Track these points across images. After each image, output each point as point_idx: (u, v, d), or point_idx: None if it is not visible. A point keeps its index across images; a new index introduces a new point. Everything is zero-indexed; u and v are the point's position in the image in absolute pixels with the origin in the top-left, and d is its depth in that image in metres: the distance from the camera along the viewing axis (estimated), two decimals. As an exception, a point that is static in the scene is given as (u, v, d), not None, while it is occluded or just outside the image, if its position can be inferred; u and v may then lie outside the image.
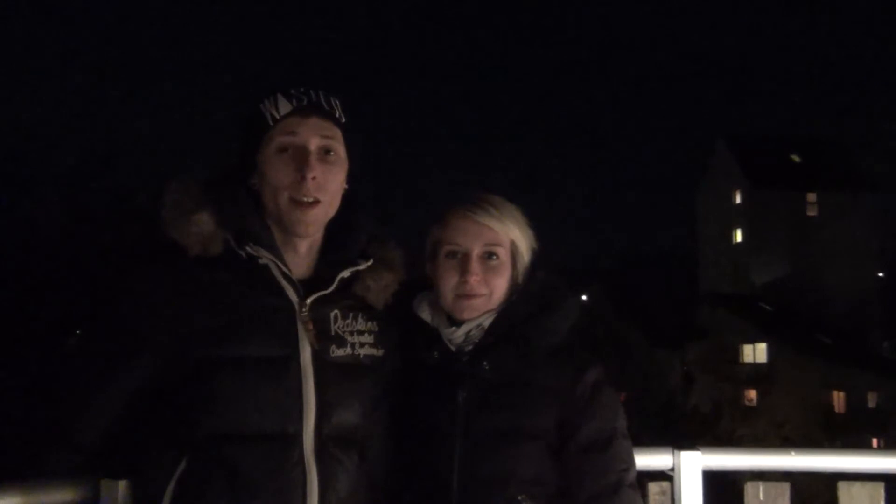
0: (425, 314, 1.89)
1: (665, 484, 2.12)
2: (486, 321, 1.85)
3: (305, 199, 1.66)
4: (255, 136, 1.69)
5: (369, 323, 1.79)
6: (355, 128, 1.77)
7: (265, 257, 1.66)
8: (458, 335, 1.85)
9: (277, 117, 1.67)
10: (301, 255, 1.73)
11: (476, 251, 1.84)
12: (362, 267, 1.78)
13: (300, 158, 1.66)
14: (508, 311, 1.86)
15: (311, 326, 1.67)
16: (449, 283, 1.84)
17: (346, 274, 1.75)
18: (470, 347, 1.84)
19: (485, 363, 1.80)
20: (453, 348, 1.85)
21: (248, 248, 1.65)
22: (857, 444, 28.74)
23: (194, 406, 1.59)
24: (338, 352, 1.70)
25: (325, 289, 1.71)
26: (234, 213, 1.67)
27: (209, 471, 1.57)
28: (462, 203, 1.87)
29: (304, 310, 1.67)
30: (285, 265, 1.67)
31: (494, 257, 1.85)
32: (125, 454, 1.67)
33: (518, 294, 1.88)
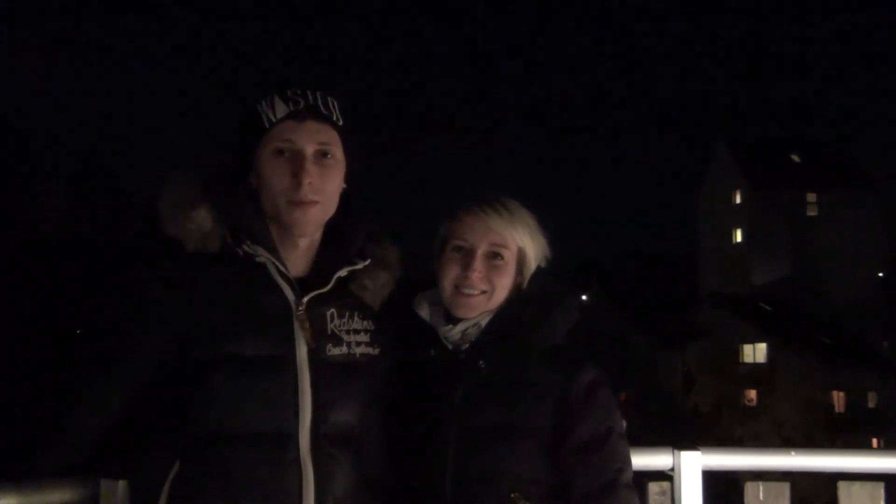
0: (424, 312, 1.89)
1: (665, 484, 2.12)
2: (484, 320, 1.85)
3: (302, 199, 1.66)
4: (252, 137, 1.69)
5: (365, 322, 1.78)
6: (354, 127, 1.76)
7: (262, 255, 1.66)
8: (454, 333, 1.85)
9: (274, 120, 1.66)
10: (299, 254, 1.73)
11: (481, 249, 1.84)
12: (359, 266, 1.77)
13: (296, 163, 1.66)
14: (506, 311, 1.86)
15: (307, 325, 1.67)
16: (450, 274, 1.84)
17: (343, 273, 1.75)
18: (467, 346, 1.84)
19: (481, 361, 1.81)
20: (450, 346, 1.85)
21: (245, 247, 1.65)
22: (857, 444, 28.78)
23: (190, 405, 1.59)
24: (334, 351, 1.70)
25: (322, 287, 1.71)
26: (232, 210, 1.66)
27: (204, 471, 1.57)
28: (475, 201, 1.87)
29: (300, 308, 1.67)
30: (283, 263, 1.67)
31: (499, 258, 1.85)
32: (123, 454, 1.67)
33: (516, 294, 1.88)
